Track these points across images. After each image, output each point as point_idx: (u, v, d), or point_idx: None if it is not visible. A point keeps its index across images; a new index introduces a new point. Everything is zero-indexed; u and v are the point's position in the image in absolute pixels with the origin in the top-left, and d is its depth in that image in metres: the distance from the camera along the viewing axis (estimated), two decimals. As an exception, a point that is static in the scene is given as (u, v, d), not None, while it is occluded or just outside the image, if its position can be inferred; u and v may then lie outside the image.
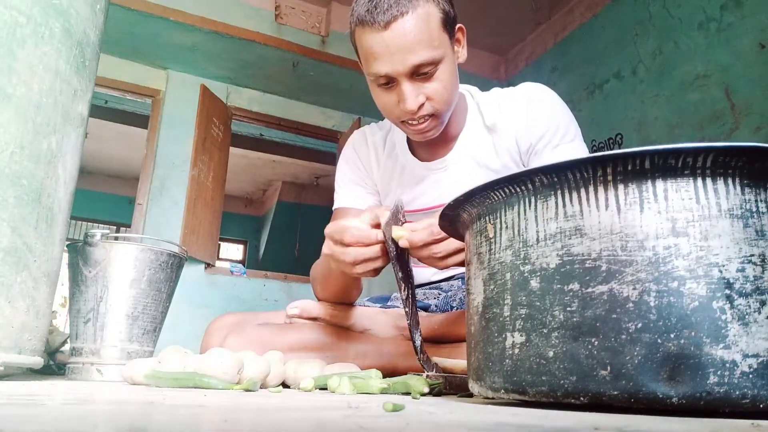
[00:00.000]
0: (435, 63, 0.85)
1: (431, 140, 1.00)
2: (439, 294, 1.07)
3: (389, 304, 1.13)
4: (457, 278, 1.10)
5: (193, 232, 3.55)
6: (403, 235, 0.71)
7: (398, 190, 1.07)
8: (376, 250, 0.73)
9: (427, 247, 0.72)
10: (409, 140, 1.08)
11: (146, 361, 0.77)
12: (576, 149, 0.95)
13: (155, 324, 1.00)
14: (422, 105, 0.88)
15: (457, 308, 1.02)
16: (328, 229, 0.76)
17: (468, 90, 1.06)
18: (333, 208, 1.14)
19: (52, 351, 1.12)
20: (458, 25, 0.92)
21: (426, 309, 1.03)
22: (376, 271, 0.77)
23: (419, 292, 1.10)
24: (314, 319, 0.98)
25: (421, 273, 1.13)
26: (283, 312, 1.03)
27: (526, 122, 0.97)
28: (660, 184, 0.42)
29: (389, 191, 1.10)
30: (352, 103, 4.05)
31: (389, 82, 0.87)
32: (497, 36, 3.96)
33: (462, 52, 0.94)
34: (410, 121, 0.90)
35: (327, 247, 0.76)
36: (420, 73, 0.85)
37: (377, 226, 0.73)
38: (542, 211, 0.46)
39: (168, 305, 1.04)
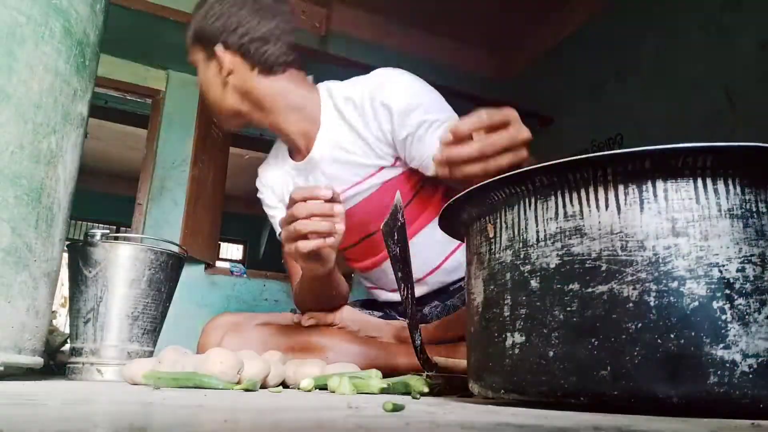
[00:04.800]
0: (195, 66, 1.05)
1: (293, 143, 1.04)
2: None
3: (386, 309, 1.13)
4: (436, 299, 1.08)
5: (193, 232, 3.55)
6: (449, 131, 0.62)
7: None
8: (324, 225, 0.75)
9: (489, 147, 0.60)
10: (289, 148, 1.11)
11: (146, 361, 0.77)
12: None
13: (155, 324, 1.00)
14: None
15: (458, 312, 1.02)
16: (296, 194, 0.77)
17: (326, 86, 1.04)
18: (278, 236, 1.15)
19: (52, 351, 1.12)
20: (218, 45, 0.98)
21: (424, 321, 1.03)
22: (323, 256, 0.80)
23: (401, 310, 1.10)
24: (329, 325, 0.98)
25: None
26: (283, 313, 1.03)
27: (385, 114, 0.94)
28: (660, 184, 0.42)
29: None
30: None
31: None
32: (497, 36, 3.96)
33: (225, 66, 0.98)
34: None
35: (285, 232, 0.78)
36: None
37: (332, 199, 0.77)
38: (542, 211, 0.46)
39: (168, 305, 1.04)
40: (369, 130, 0.97)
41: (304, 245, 0.77)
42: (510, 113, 0.60)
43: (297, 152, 1.07)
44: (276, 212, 1.13)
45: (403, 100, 0.93)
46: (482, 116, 0.59)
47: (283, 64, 0.99)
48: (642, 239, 0.41)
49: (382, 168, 0.99)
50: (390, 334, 0.98)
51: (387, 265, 1.03)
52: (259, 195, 1.16)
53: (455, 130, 0.60)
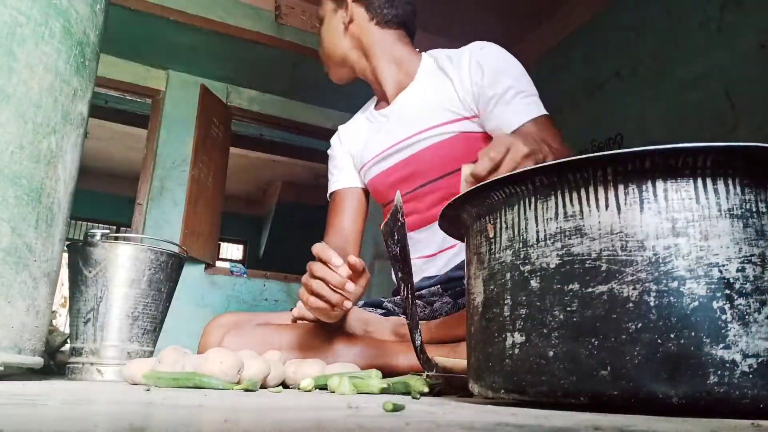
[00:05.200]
0: (320, 20, 1.22)
1: (381, 92, 1.19)
2: (426, 307, 1.07)
3: (384, 304, 1.13)
4: (437, 284, 1.08)
5: (193, 232, 3.55)
6: (468, 173, 0.71)
7: (366, 145, 1.20)
8: (334, 297, 0.80)
9: (496, 173, 0.71)
10: (378, 100, 1.24)
11: (146, 361, 0.77)
12: (538, 105, 0.98)
13: (155, 324, 1.00)
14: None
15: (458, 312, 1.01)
16: (316, 248, 0.83)
17: (430, 52, 1.17)
18: (328, 194, 1.28)
19: (52, 351, 1.12)
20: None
21: (434, 317, 1.03)
22: (326, 314, 0.85)
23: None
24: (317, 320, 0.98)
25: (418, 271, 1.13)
26: (283, 312, 1.03)
27: (478, 70, 1.03)
28: (660, 184, 0.42)
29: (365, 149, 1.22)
30: (352, 103, 4.01)
31: None
32: (497, 36, 3.95)
33: (344, 15, 1.16)
34: None
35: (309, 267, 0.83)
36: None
37: (352, 274, 0.82)
38: (542, 211, 0.46)
39: (168, 305, 1.04)
40: (461, 81, 1.06)
41: (314, 302, 0.82)
42: (505, 140, 0.70)
43: (384, 101, 1.20)
44: (335, 164, 1.28)
45: (495, 63, 1.03)
46: (491, 156, 0.68)
47: (396, 23, 1.17)
48: (642, 239, 0.41)
49: (464, 118, 1.06)
50: (389, 330, 0.98)
51: (435, 226, 1.07)
52: (331, 155, 1.31)
53: (475, 174, 0.69)
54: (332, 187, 1.27)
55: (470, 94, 1.04)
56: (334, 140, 1.31)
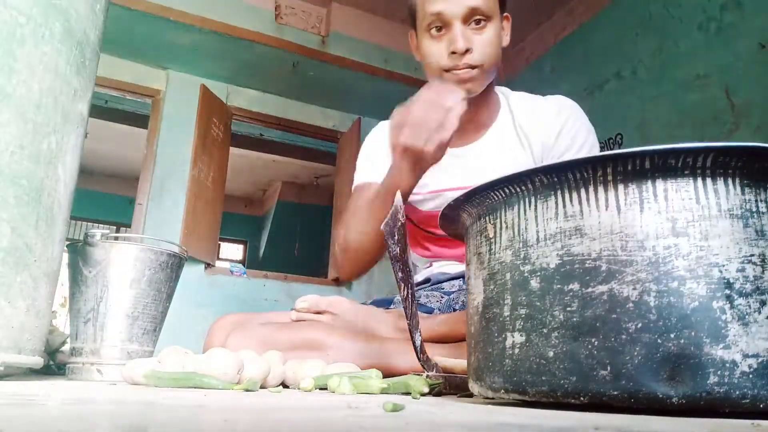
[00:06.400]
0: (487, 17, 0.93)
1: (462, 127, 1.04)
2: (442, 297, 1.07)
3: (392, 307, 1.13)
4: (459, 278, 1.10)
5: (193, 232, 3.55)
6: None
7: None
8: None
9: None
10: None
11: (146, 361, 0.77)
12: None
13: (155, 324, 1.00)
14: (469, 51, 0.93)
15: (459, 311, 1.02)
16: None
17: (500, 89, 1.11)
18: (353, 186, 1.15)
19: (52, 351, 1.12)
20: (506, 13, 1.01)
21: (430, 312, 1.03)
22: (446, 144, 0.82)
23: (422, 293, 1.10)
24: (321, 312, 0.99)
25: (423, 272, 1.13)
26: (286, 312, 1.03)
27: (556, 132, 1.02)
28: (660, 184, 0.42)
29: None
30: (352, 103, 4.03)
31: (441, 28, 0.94)
32: (497, 36, 3.95)
33: (506, 37, 1.02)
34: (455, 70, 0.95)
35: (400, 115, 0.79)
36: (473, 20, 0.93)
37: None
38: (542, 211, 0.46)
39: (168, 305, 1.03)
40: (537, 145, 1.03)
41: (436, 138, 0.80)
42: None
43: (461, 134, 1.06)
44: (373, 161, 1.12)
45: (573, 130, 1.01)
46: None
47: None
48: (642, 239, 0.41)
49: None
50: (390, 325, 0.98)
51: None
52: (367, 148, 1.15)
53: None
54: (365, 178, 1.12)
55: (543, 150, 1.03)
56: (378, 142, 1.14)
